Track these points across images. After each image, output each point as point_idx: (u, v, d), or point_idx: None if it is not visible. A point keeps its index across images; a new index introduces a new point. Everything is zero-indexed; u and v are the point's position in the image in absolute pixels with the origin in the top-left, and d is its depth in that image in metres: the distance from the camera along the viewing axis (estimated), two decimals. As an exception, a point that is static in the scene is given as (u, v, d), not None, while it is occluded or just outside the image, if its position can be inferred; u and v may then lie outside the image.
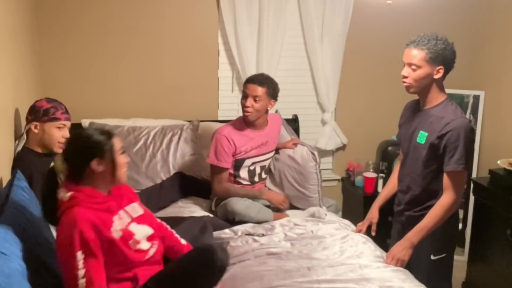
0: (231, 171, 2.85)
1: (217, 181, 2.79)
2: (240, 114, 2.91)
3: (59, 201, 1.78)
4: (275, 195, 2.92)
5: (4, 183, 2.15)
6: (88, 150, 1.78)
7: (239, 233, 2.52)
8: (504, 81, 3.47)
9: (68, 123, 2.36)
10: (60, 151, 2.29)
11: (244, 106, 2.77)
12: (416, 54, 2.23)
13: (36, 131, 2.30)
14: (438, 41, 2.23)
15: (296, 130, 3.59)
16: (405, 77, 2.30)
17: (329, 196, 3.60)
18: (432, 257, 2.29)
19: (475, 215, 3.10)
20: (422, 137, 2.28)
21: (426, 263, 2.29)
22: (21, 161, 2.26)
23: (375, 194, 3.42)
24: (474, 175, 3.63)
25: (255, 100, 2.74)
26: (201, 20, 3.42)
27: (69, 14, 3.21)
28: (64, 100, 3.26)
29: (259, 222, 2.64)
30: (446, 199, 2.20)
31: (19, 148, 2.35)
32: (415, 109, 2.44)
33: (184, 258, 1.94)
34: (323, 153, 3.70)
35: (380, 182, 3.45)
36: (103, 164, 1.78)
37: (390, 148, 3.55)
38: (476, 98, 3.66)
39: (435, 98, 2.32)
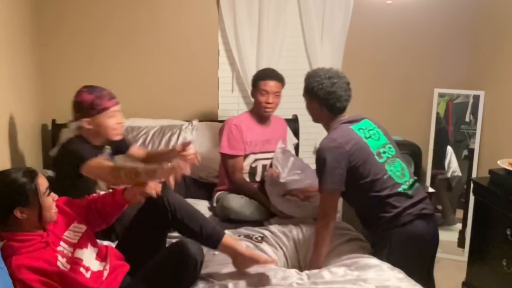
0: None
1: (233, 170, 2.81)
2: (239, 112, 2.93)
3: None
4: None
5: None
6: (8, 198, 1.64)
7: (238, 236, 2.51)
8: (504, 81, 3.46)
9: (118, 107, 2.26)
10: (117, 138, 2.27)
11: (267, 103, 2.82)
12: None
13: (90, 126, 2.21)
14: (313, 79, 2.35)
15: (296, 130, 3.59)
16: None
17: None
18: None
19: (475, 215, 3.09)
20: None
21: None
22: (77, 150, 2.16)
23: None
24: (474, 175, 3.63)
25: (276, 96, 2.83)
26: (201, 20, 3.42)
27: (69, 14, 3.21)
28: (63, 100, 3.25)
29: (254, 221, 2.64)
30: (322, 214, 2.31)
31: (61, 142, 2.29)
32: None
33: (158, 256, 1.97)
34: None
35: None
36: (27, 210, 1.65)
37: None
38: (476, 98, 3.66)
39: (328, 127, 2.43)
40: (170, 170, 1.80)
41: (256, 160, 2.90)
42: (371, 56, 3.72)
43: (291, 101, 3.67)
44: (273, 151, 2.94)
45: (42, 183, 1.70)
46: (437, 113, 3.77)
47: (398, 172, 2.32)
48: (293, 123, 3.58)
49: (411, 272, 2.16)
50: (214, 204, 2.82)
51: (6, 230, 1.67)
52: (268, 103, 2.82)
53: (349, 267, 2.15)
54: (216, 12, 3.41)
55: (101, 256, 1.90)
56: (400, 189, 2.27)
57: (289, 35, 3.55)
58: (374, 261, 2.22)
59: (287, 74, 3.60)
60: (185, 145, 2.21)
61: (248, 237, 2.47)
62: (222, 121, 3.48)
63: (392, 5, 3.49)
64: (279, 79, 2.86)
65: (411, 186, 2.32)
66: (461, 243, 3.68)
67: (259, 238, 2.46)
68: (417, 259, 2.32)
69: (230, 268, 2.12)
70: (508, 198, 2.70)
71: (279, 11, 3.43)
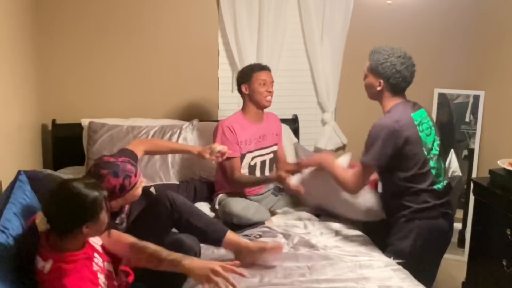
0: None
1: (231, 171, 2.77)
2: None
3: (37, 270, 1.61)
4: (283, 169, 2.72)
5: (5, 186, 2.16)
6: (81, 213, 1.59)
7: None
8: (504, 81, 3.47)
9: (141, 177, 2.11)
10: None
11: (268, 92, 2.84)
12: (365, 63, 2.42)
13: (117, 205, 2.06)
14: (383, 55, 2.34)
15: (296, 130, 3.59)
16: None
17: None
18: (393, 259, 2.29)
19: (475, 215, 3.09)
20: None
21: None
22: None
23: (375, 194, 3.42)
24: (474, 175, 3.63)
25: (272, 85, 2.87)
26: (201, 20, 3.42)
27: (69, 14, 3.21)
28: (64, 99, 3.31)
29: (256, 223, 2.63)
30: (349, 177, 2.38)
31: None
32: None
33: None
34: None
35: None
36: (93, 226, 1.62)
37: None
38: (476, 98, 3.66)
39: (386, 105, 2.43)
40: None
41: (253, 158, 2.90)
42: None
43: (291, 101, 3.69)
44: (269, 146, 2.95)
45: (107, 196, 1.67)
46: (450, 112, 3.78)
47: (439, 171, 2.39)
48: (293, 123, 3.59)
49: (428, 266, 2.30)
50: (216, 207, 2.81)
51: (60, 246, 1.61)
52: (270, 91, 2.84)
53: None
54: (216, 12, 3.41)
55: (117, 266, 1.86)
56: (435, 187, 2.36)
57: (289, 35, 3.55)
58: (377, 260, 2.23)
59: (287, 74, 3.63)
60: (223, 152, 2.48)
61: (246, 236, 2.47)
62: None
63: (392, 5, 3.49)
64: (270, 71, 2.92)
65: (444, 187, 2.41)
66: (461, 243, 3.68)
67: (257, 236, 2.46)
68: (437, 254, 2.46)
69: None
70: (508, 198, 2.70)
71: (279, 11, 3.43)
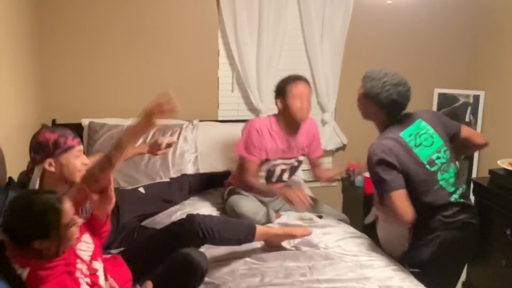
0: None
1: (245, 172, 2.69)
2: (237, 114, 2.89)
3: (18, 278, 1.54)
4: (289, 190, 2.58)
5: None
6: (29, 228, 1.51)
7: None
8: (504, 81, 3.47)
9: (82, 147, 2.04)
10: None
11: (302, 108, 2.64)
12: (359, 88, 2.36)
13: (52, 169, 1.92)
14: (377, 83, 2.25)
15: (296, 130, 3.59)
16: None
17: (329, 196, 3.60)
18: (409, 269, 2.24)
19: (475, 215, 3.09)
20: None
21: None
22: None
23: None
24: (474, 175, 3.64)
25: (309, 99, 2.68)
26: (201, 20, 3.42)
27: (70, 14, 3.21)
28: (64, 99, 3.30)
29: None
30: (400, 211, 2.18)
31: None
32: None
33: (165, 264, 1.96)
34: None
35: (380, 182, 3.44)
36: (47, 242, 1.53)
37: (390, 148, 3.54)
38: (476, 98, 3.66)
39: (380, 127, 2.40)
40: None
41: (274, 165, 2.79)
42: (371, 56, 3.72)
43: (291, 101, 3.68)
44: (293, 158, 2.82)
45: (67, 212, 1.55)
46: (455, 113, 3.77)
47: (451, 179, 2.29)
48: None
49: (447, 276, 2.30)
50: (225, 197, 2.79)
51: (28, 255, 1.55)
52: (304, 106, 2.64)
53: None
54: (216, 12, 3.41)
55: (105, 276, 1.78)
56: (452, 199, 2.27)
57: (289, 35, 3.55)
58: (377, 260, 2.23)
59: (287, 74, 3.62)
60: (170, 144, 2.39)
61: None
62: (222, 121, 3.50)
63: (392, 5, 3.49)
64: (307, 81, 2.72)
65: (462, 194, 2.33)
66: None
67: None
68: (457, 264, 2.42)
69: (230, 268, 2.12)
70: (508, 198, 2.70)
71: (279, 11, 3.43)
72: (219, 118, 3.53)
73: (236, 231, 2.20)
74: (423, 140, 2.28)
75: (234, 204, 2.66)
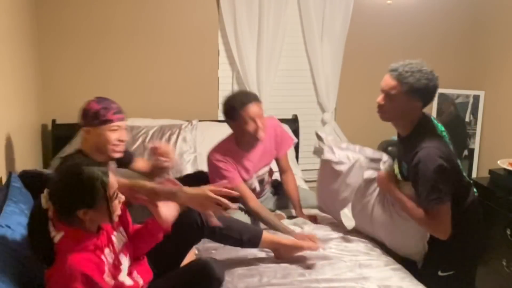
0: None
1: (245, 202, 2.51)
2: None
3: (52, 241, 1.60)
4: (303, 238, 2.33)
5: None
6: (74, 198, 1.55)
7: None
8: (504, 81, 3.47)
9: (123, 123, 2.12)
10: (116, 155, 2.13)
11: (257, 129, 2.46)
12: (396, 86, 2.11)
13: (88, 136, 2.08)
14: (421, 77, 2.07)
15: (296, 130, 3.59)
16: (380, 105, 2.19)
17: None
18: (440, 273, 2.21)
19: (475, 215, 3.09)
20: (405, 169, 2.21)
21: (434, 279, 2.18)
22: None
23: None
24: (474, 175, 3.64)
25: (262, 117, 2.50)
26: (201, 20, 3.42)
27: (70, 14, 3.21)
28: (64, 99, 3.30)
29: None
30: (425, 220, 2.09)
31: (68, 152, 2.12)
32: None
33: (182, 272, 1.94)
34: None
35: (380, 182, 3.44)
36: (92, 212, 1.56)
37: (390, 148, 3.53)
38: (476, 98, 3.66)
39: (409, 125, 2.19)
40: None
41: (250, 184, 2.66)
42: (371, 56, 3.72)
43: (291, 101, 3.70)
44: (266, 165, 2.72)
45: (112, 184, 1.59)
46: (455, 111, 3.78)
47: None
48: (293, 123, 3.58)
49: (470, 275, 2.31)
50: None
51: (67, 223, 1.59)
52: (259, 127, 2.46)
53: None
54: (216, 12, 3.41)
55: (131, 273, 1.78)
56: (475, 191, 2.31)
57: (289, 35, 3.56)
58: (376, 259, 2.23)
59: (287, 74, 3.64)
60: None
61: None
62: (222, 121, 3.48)
63: (392, 5, 3.49)
64: (256, 98, 2.53)
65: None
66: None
67: None
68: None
69: (228, 268, 2.12)
70: (508, 198, 2.70)
71: (279, 11, 3.43)
72: (219, 118, 3.53)
73: (239, 231, 2.13)
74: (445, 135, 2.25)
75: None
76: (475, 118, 3.67)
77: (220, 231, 2.07)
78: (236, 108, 2.46)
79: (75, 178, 1.55)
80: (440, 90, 3.72)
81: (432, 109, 3.79)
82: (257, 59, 3.46)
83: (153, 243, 1.86)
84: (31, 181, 2.11)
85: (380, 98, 2.19)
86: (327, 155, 2.52)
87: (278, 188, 2.94)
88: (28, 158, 2.79)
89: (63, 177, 1.58)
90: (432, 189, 2.03)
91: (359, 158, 2.44)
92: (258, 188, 2.70)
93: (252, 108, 2.45)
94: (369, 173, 2.37)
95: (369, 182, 2.36)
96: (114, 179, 1.61)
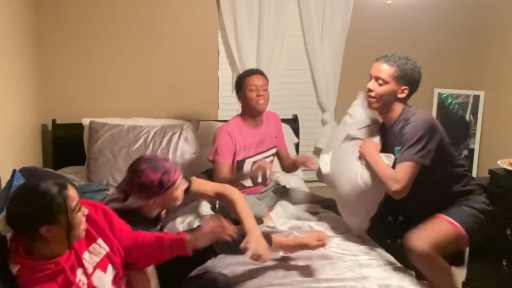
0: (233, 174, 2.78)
1: (217, 175, 2.70)
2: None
3: (9, 273, 1.51)
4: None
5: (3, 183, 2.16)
6: (35, 215, 1.45)
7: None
8: (504, 81, 3.47)
9: (181, 175, 2.01)
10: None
11: (258, 96, 2.74)
12: (386, 69, 2.27)
13: (156, 203, 1.97)
14: (408, 62, 2.26)
15: (296, 130, 3.59)
16: (370, 90, 2.32)
17: (329, 196, 3.59)
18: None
19: (475, 215, 3.09)
20: (398, 152, 2.26)
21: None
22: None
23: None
24: (474, 175, 3.63)
25: (265, 90, 2.78)
26: (201, 20, 3.42)
27: (70, 14, 3.21)
28: (64, 99, 3.31)
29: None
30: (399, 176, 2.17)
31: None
32: (382, 131, 2.46)
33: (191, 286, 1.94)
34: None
35: (380, 182, 3.44)
36: (55, 229, 1.47)
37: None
38: (476, 98, 3.66)
39: (394, 112, 2.33)
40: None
41: (253, 163, 2.82)
42: (371, 56, 3.69)
43: (291, 101, 3.69)
44: (268, 149, 2.89)
45: (72, 196, 1.52)
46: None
47: None
48: (293, 123, 3.59)
49: None
50: (217, 206, 2.80)
51: (28, 249, 1.51)
52: (260, 95, 2.75)
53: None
54: (216, 12, 3.41)
55: (116, 282, 1.70)
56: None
57: (289, 35, 3.56)
58: (376, 259, 2.23)
59: (287, 74, 3.64)
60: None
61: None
62: (222, 121, 3.49)
63: (392, 5, 3.48)
64: (262, 73, 2.84)
65: None
66: (461, 243, 3.67)
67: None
68: None
69: (228, 269, 2.12)
70: (508, 198, 2.70)
71: (279, 11, 3.43)
72: (219, 118, 3.53)
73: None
74: None
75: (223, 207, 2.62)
76: (475, 118, 3.67)
77: (236, 246, 2.01)
78: (242, 77, 2.81)
79: (32, 193, 1.48)
80: (440, 90, 3.77)
81: (432, 109, 3.79)
82: (257, 59, 3.46)
83: (163, 260, 1.79)
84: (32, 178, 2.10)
85: (370, 83, 2.33)
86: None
87: (282, 193, 2.98)
88: (28, 158, 2.80)
89: (20, 195, 1.50)
90: (417, 143, 2.14)
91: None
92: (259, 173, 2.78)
93: (255, 78, 2.76)
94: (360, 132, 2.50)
95: (355, 139, 2.48)
96: (73, 191, 1.54)
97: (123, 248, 1.73)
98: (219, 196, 2.21)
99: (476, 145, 3.66)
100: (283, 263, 2.18)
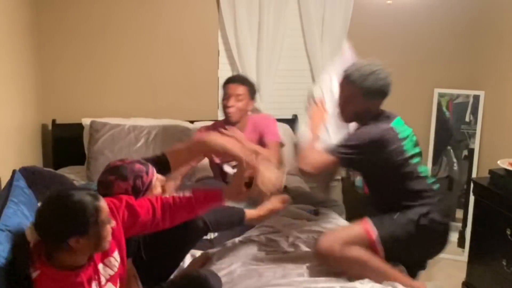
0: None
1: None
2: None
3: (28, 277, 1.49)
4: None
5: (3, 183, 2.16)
6: (66, 225, 1.42)
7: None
8: (504, 81, 3.46)
9: (155, 173, 1.91)
10: None
11: (226, 107, 2.76)
12: (352, 90, 2.24)
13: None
14: (375, 77, 2.22)
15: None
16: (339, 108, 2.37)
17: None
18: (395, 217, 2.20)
19: (475, 215, 3.09)
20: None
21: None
22: None
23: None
24: (474, 175, 3.63)
25: (237, 100, 2.74)
26: (201, 20, 3.42)
27: (70, 14, 3.22)
28: (64, 99, 3.31)
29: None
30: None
31: None
32: None
33: (179, 286, 1.93)
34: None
35: (380, 182, 3.44)
36: (83, 240, 1.44)
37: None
38: (476, 98, 3.66)
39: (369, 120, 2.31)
40: None
41: (233, 167, 2.76)
42: (371, 56, 3.71)
43: (291, 101, 3.69)
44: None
45: (104, 208, 1.49)
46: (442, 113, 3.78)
47: (428, 172, 2.33)
48: (293, 123, 3.58)
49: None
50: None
51: (50, 257, 1.48)
52: (228, 106, 2.74)
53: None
54: (216, 12, 3.42)
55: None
56: (434, 187, 2.29)
57: (289, 35, 3.55)
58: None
59: (287, 74, 3.63)
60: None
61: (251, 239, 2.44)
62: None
63: (392, 5, 3.49)
64: (242, 82, 2.79)
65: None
66: (461, 243, 3.67)
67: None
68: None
69: (227, 269, 2.12)
70: (508, 198, 2.70)
71: (279, 11, 3.43)
72: (219, 118, 3.53)
73: (230, 222, 2.28)
74: (405, 135, 2.27)
75: None
76: (475, 118, 3.66)
77: (218, 223, 2.14)
78: (225, 81, 2.87)
79: (64, 204, 1.44)
80: (440, 90, 3.77)
81: (432, 110, 3.78)
82: (257, 59, 3.46)
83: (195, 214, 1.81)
84: (32, 178, 2.11)
85: (338, 102, 2.33)
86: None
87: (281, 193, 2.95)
88: (28, 158, 2.80)
89: (51, 205, 1.46)
90: (346, 145, 2.16)
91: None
92: (230, 173, 2.78)
93: (230, 86, 2.78)
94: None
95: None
96: (104, 202, 1.50)
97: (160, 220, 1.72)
98: (196, 148, 2.08)
99: (476, 145, 3.65)
100: (282, 264, 2.18)
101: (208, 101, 3.55)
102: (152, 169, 1.88)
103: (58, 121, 3.24)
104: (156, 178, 1.88)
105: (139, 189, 1.80)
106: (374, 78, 2.20)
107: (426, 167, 2.37)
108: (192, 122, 3.36)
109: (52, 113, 3.26)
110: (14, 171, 2.14)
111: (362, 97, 2.22)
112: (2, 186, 2.15)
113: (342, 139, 2.24)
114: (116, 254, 1.62)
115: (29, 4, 3.01)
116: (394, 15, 3.64)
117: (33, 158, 2.95)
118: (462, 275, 3.12)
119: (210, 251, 2.29)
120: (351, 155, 2.16)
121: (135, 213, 1.67)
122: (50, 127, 3.25)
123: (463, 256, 3.46)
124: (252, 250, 2.26)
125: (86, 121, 3.20)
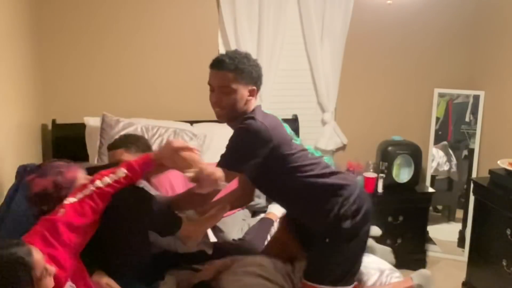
0: None
1: None
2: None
3: None
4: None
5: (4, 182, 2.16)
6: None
7: None
8: (504, 81, 3.46)
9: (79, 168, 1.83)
10: None
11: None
12: (230, 76, 2.02)
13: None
14: (248, 59, 2.04)
15: (296, 130, 3.59)
16: (215, 102, 2.10)
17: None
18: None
19: (475, 215, 3.09)
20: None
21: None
22: None
23: (375, 194, 3.42)
24: (474, 175, 3.63)
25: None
26: (201, 20, 3.42)
27: (70, 14, 3.21)
28: (64, 99, 3.31)
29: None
30: None
31: None
32: None
33: None
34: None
35: (380, 182, 3.45)
36: None
37: (390, 148, 3.55)
38: (476, 98, 3.66)
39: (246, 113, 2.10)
40: None
41: None
42: (371, 56, 3.72)
43: (291, 101, 3.69)
44: None
45: (38, 263, 1.39)
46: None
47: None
48: (293, 123, 3.58)
49: None
50: None
51: None
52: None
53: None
54: (216, 12, 3.41)
55: None
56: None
57: (289, 35, 3.55)
58: (370, 261, 2.22)
59: (287, 74, 3.63)
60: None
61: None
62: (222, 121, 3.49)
63: (392, 5, 3.49)
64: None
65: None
66: (461, 243, 3.68)
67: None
68: None
69: (241, 283, 2.07)
70: (508, 198, 2.71)
71: (279, 11, 3.43)
72: (219, 118, 3.53)
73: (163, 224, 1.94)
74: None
75: None
76: (475, 118, 3.67)
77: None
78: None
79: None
80: (440, 90, 3.77)
81: (432, 110, 3.79)
82: (257, 59, 3.45)
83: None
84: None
85: (214, 96, 2.06)
86: None
87: None
88: (28, 158, 2.79)
89: None
90: (232, 149, 1.94)
91: None
92: None
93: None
94: None
95: None
96: (39, 255, 1.41)
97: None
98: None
99: (476, 145, 3.66)
100: (280, 263, 2.17)
101: (208, 101, 3.52)
102: (74, 166, 1.79)
103: (58, 121, 3.24)
104: (81, 175, 1.77)
105: (61, 185, 1.69)
106: (246, 60, 2.04)
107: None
108: (191, 123, 3.35)
109: (52, 113, 3.26)
110: (20, 167, 2.13)
111: (239, 82, 2.04)
112: (4, 187, 2.15)
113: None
114: (68, 285, 1.56)
115: (29, 3, 3.01)
116: (394, 15, 3.64)
117: (33, 158, 2.94)
118: (462, 275, 3.13)
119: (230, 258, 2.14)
120: (248, 156, 1.96)
121: (78, 226, 1.60)
122: (50, 127, 3.25)
123: (463, 256, 3.46)
124: (263, 262, 2.12)
125: (87, 120, 3.18)
